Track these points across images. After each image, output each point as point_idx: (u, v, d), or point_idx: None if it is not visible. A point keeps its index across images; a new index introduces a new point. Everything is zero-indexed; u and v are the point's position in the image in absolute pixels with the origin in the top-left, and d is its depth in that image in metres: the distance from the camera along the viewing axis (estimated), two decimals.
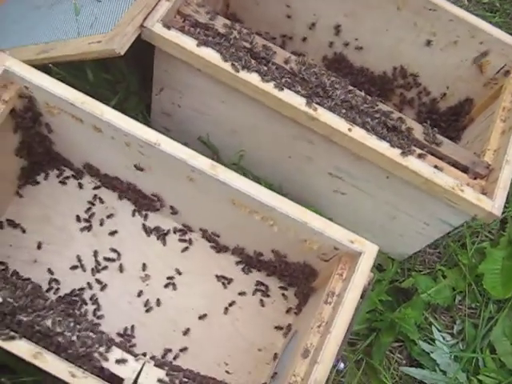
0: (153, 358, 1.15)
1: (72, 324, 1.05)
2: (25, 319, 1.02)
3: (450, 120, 1.64)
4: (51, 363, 0.99)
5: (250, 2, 1.63)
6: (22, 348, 0.99)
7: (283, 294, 1.45)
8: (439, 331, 1.57)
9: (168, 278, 1.42)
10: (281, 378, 1.23)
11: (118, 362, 1.03)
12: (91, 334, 1.05)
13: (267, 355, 1.40)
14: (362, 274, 1.13)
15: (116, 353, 1.04)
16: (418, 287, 1.54)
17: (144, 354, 1.13)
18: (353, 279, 1.12)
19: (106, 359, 1.03)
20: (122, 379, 1.02)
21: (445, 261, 1.64)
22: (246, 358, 1.39)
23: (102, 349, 1.03)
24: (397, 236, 1.50)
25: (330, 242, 1.17)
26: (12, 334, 0.99)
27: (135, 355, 1.05)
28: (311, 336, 1.13)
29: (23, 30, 1.50)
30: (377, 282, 1.55)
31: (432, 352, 1.54)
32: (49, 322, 1.04)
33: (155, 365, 1.05)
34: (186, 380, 1.07)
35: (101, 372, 1.02)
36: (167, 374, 1.04)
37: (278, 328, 1.42)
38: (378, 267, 1.59)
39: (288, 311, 1.44)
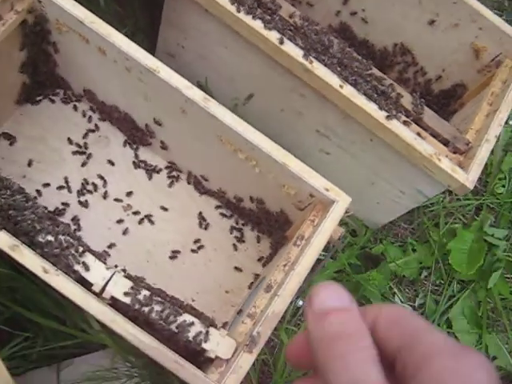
0: (124, 270, 1.20)
1: (51, 226, 1.11)
2: (8, 213, 1.08)
3: (441, 103, 1.69)
4: (26, 257, 1.03)
5: None
6: (1, 239, 1.04)
7: (257, 242, 1.50)
8: (401, 302, 1.63)
9: (149, 211, 1.47)
10: (244, 313, 1.29)
11: (90, 266, 1.08)
12: (68, 237, 1.10)
13: (233, 297, 1.45)
14: (333, 220, 1.18)
15: (89, 258, 1.09)
16: (387, 255, 1.60)
17: (116, 266, 1.18)
18: (323, 224, 1.17)
19: (79, 262, 1.08)
20: (91, 284, 1.08)
21: (417, 236, 1.70)
22: (213, 297, 1.44)
23: (76, 252, 1.09)
24: (373, 203, 1.56)
25: (307, 188, 1.22)
26: None
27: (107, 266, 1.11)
28: (276, 273, 1.18)
29: None
30: (348, 245, 1.61)
31: None
32: (29, 220, 1.09)
33: (125, 276, 1.11)
34: (153, 295, 1.11)
35: (72, 274, 1.07)
36: (135, 286, 1.10)
37: (249, 274, 1.47)
38: (351, 233, 1.65)
39: (260, 259, 1.49)
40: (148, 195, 1.49)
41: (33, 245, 1.07)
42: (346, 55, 1.33)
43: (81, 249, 1.09)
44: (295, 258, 1.18)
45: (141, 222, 1.46)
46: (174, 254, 1.45)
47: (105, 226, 1.44)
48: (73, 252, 1.08)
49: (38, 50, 1.37)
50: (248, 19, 1.27)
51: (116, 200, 1.46)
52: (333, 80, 1.28)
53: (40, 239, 1.08)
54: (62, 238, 1.10)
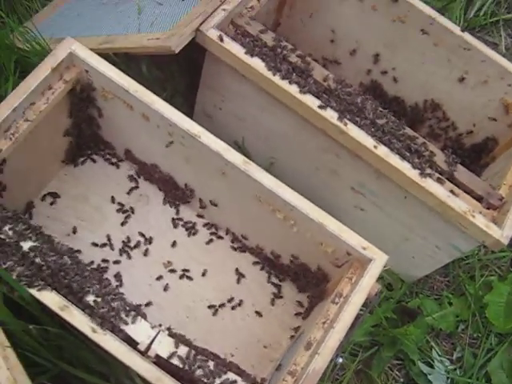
0: (168, 329, 1.24)
1: (97, 286, 1.15)
2: (57, 275, 1.12)
3: (472, 157, 1.72)
4: (76, 317, 1.08)
5: (298, 24, 1.75)
6: (52, 300, 1.09)
7: (295, 299, 1.52)
8: (439, 355, 1.63)
9: (188, 267, 1.51)
10: (284, 369, 1.31)
11: (135, 325, 1.12)
12: (114, 297, 1.14)
13: (272, 352, 1.47)
14: (370, 278, 1.21)
15: (134, 317, 1.13)
16: (424, 309, 1.61)
17: (160, 325, 1.22)
18: (361, 283, 1.20)
19: (126, 322, 1.12)
20: (136, 342, 1.11)
21: (452, 289, 1.70)
22: (251, 352, 1.46)
23: (122, 312, 1.13)
24: (409, 257, 1.58)
25: (344, 247, 1.25)
26: (45, 285, 1.10)
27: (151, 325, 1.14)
28: (315, 331, 1.21)
29: (87, 23, 1.64)
30: (385, 299, 1.62)
31: (430, 374, 1.59)
32: (78, 281, 1.13)
33: (169, 335, 1.14)
34: (197, 354, 1.14)
35: (118, 332, 1.11)
36: (179, 345, 1.13)
37: (287, 329, 1.49)
38: (387, 287, 1.66)
39: (297, 314, 1.51)
40: (187, 252, 1.53)
41: (80, 303, 1.12)
42: (378, 116, 1.37)
43: (127, 308, 1.13)
44: (334, 315, 1.21)
45: (180, 278, 1.50)
46: (213, 310, 1.48)
47: (146, 283, 1.48)
48: (119, 312, 1.12)
49: (83, 114, 1.44)
50: (284, 84, 1.33)
51: (156, 257, 1.51)
52: (367, 141, 1.32)
53: (88, 299, 1.12)
54: (108, 298, 1.14)
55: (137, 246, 1.51)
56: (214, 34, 1.33)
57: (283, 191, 1.24)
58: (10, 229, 1.14)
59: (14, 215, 1.18)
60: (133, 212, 1.55)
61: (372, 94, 1.75)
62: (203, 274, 1.52)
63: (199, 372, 1.11)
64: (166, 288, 1.48)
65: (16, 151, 1.27)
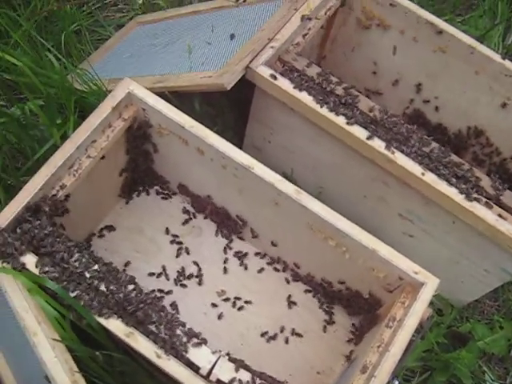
0: (227, 354, 1.28)
1: (158, 314, 1.20)
2: (122, 304, 1.18)
3: None
4: (141, 343, 1.13)
5: (341, 58, 1.80)
6: (118, 327, 1.14)
7: (347, 324, 1.55)
8: (492, 380, 1.63)
9: (241, 295, 1.56)
10: None
11: (197, 351, 1.16)
12: (175, 324, 1.19)
13: (325, 379, 1.49)
14: (423, 302, 1.23)
15: (195, 343, 1.17)
16: (475, 334, 1.62)
17: (220, 351, 1.25)
18: (414, 306, 1.23)
19: (187, 348, 1.16)
20: (198, 367, 1.15)
21: (503, 313, 1.71)
22: (305, 378, 1.49)
23: (184, 338, 1.17)
24: (458, 282, 1.60)
25: (396, 272, 1.28)
26: (111, 313, 1.15)
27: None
28: (370, 354, 1.23)
29: (139, 63, 1.72)
30: (435, 325, 1.64)
31: None
32: (141, 310, 1.18)
33: (229, 360, 1.18)
34: (256, 378, 1.18)
35: (180, 358, 1.15)
36: (239, 369, 1.17)
37: (339, 355, 1.52)
38: (437, 312, 1.68)
39: (349, 340, 1.54)
40: (239, 280, 1.58)
41: (144, 330, 1.17)
42: (424, 144, 1.41)
43: (188, 334, 1.18)
44: (388, 339, 1.23)
45: (233, 306, 1.54)
46: (266, 337, 1.52)
47: (201, 311, 1.53)
48: (181, 338, 1.17)
49: (139, 150, 1.51)
50: (332, 116, 1.38)
51: (210, 286, 1.56)
52: (414, 168, 1.36)
53: (151, 326, 1.17)
54: (169, 325, 1.18)
55: (191, 275, 1.56)
56: (264, 71, 1.40)
57: (335, 219, 1.29)
58: (76, 259, 1.21)
59: (78, 246, 1.24)
60: (186, 243, 1.60)
61: (415, 123, 1.78)
62: (255, 302, 1.56)
63: None
64: (220, 316, 1.53)
65: (79, 187, 1.34)
